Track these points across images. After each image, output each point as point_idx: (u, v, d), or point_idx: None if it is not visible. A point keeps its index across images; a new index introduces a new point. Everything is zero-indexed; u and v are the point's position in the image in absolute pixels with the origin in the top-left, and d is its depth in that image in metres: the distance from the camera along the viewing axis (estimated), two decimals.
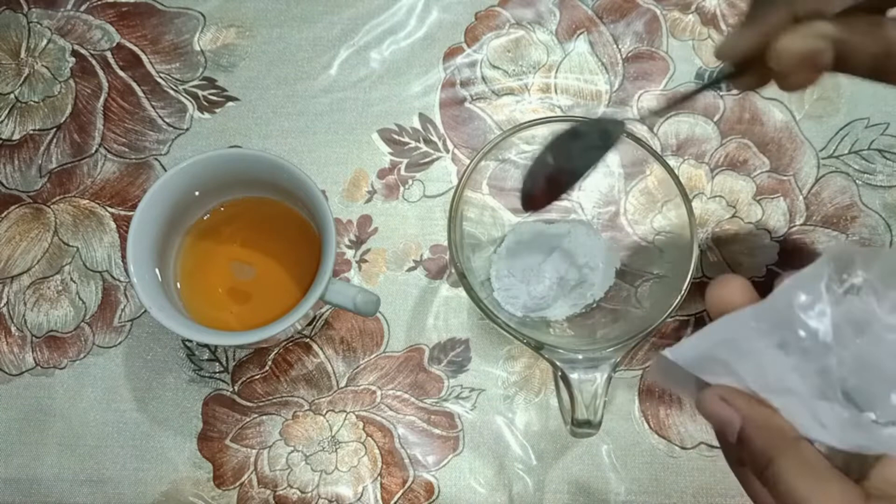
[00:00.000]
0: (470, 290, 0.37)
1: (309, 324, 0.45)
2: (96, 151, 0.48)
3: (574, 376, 0.35)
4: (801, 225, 0.47)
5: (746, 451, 0.27)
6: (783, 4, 0.27)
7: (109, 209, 0.47)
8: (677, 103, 0.34)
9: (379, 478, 0.43)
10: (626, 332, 0.36)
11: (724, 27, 0.50)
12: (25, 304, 0.45)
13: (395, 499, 0.43)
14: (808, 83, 0.29)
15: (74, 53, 0.50)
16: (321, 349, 0.45)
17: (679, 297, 0.36)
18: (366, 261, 0.46)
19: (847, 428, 0.26)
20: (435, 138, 0.48)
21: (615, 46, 0.50)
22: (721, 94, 0.49)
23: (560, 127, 0.36)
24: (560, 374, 0.35)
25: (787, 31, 0.27)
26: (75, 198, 0.47)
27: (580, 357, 0.35)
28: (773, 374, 0.27)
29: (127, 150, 0.48)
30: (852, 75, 0.28)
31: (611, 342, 0.36)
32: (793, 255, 0.46)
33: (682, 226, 0.38)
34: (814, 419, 0.27)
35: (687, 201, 0.37)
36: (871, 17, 0.26)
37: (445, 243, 0.46)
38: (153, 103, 0.49)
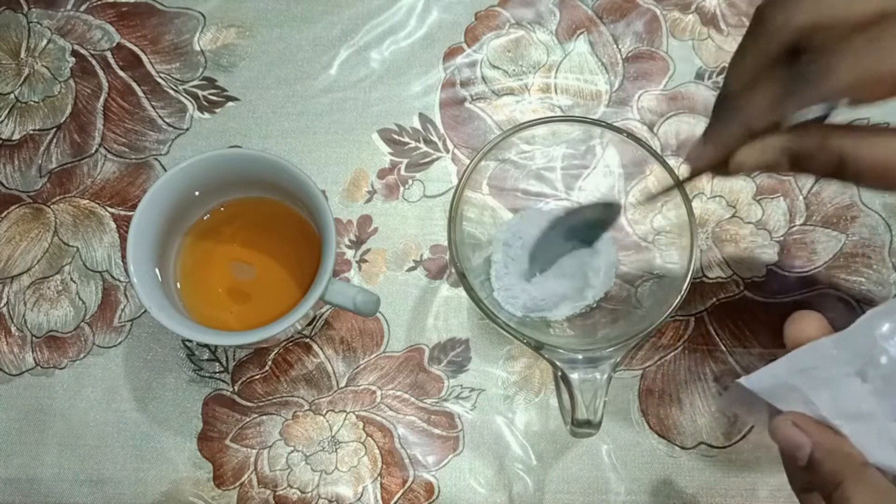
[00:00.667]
0: (470, 290, 0.37)
1: (309, 324, 0.45)
2: (96, 151, 0.48)
3: (574, 376, 0.35)
4: (801, 225, 0.47)
5: (815, 475, 0.29)
6: (739, 123, 0.30)
7: (109, 209, 0.47)
8: (662, 194, 0.37)
9: (379, 478, 0.43)
10: (626, 332, 0.36)
11: (724, 27, 0.50)
12: (25, 304, 0.45)
13: (395, 499, 0.43)
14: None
15: (74, 53, 0.50)
16: (321, 349, 0.45)
17: (679, 297, 0.36)
18: (366, 261, 0.46)
19: None
20: (435, 138, 0.48)
21: (615, 46, 0.50)
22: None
23: (559, 212, 0.41)
24: (560, 374, 0.35)
25: (744, 147, 0.30)
26: (75, 198, 0.47)
27: (580, 357, 0.35)
28: (849, 399, 0.29)
29: (127, 150, 0.48)
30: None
31: (611, 342, 0.36)
32: (793, 255, 0.46)
33: (682, 226, 0.38)
34: (888, 441, 0.28)
35: (687, 201, 0.37)
36: (822, 127, 0.29)
37: (445, 243, 0.46)
38: (153, 103, 0.49)
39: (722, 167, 0.31)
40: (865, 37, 0.26)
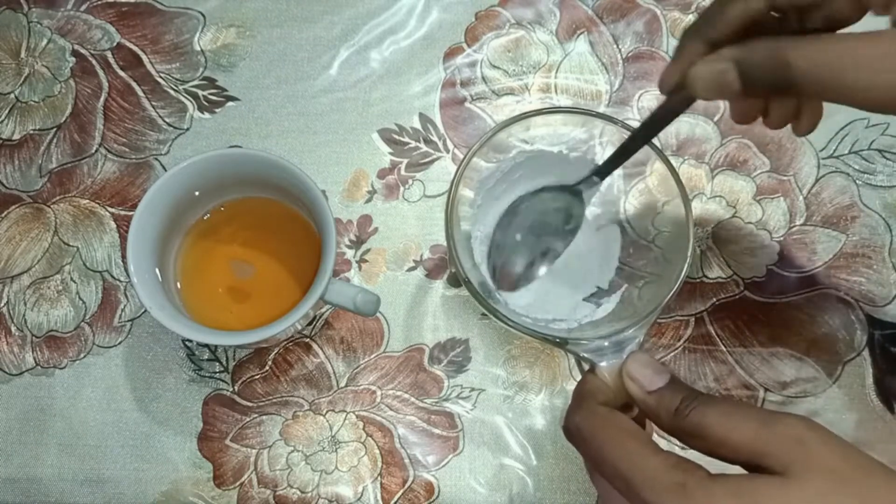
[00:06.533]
0: (477, 295, 0.36)
1: (309, 324, 0.45)
2: (96, 151, 0.48)
3: (604, 364, 0.34)
4: (801, 225, 0.47)
5: (671, 400, 0.29)
6: (697, 38, 0.30)
7: (109, 209, 0.47)
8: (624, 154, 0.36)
9: (379, 478, 0.43)
10: (641, 311, 0.36)
11: None
12: (25, 303, 0.45)
13: (395, 499, 0.43)
14: (754, 115, 0.34)
15: (74, 53, 0.50)
16: (321, 349, 0.45)
17: (688, 252, 0.36)
18: (366, 261, 0.46)
19: None
20: (435, 138, 0.48)
21: (615, 46, 0.50)
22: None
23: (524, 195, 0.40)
24: (588, 367, 0.35)
25: (699, 61, 0.30)
26: (75, 198, 0.47)
27: (606, 344, 0.35)
28: None
29: (127, 150, 0.48)
30: (763, 96, 0.30)
31: (631, 321, 0.36)
32: (793, 255, 0.46)
33: (682, 225, 0.38)
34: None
35: (682, 189, 0.37)
36: (773, 37, 0.28)
37: (445, 243, 0.46)
38: (153, 103, 0.49)
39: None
40: None
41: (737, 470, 0.27)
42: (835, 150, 0.48)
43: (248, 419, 0.44)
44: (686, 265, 0.36)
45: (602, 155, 0.43)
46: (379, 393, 0.44)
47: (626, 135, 0.38)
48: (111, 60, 0.50)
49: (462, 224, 0.40)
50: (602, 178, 0.39)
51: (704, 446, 0.27)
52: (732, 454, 0.26)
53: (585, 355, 0.34)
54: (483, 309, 0.37)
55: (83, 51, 0.50)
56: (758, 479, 0.25)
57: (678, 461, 0.26)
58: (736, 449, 0.26)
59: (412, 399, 0.44)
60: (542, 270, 0.41)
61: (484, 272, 0.42)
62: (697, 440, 0.28)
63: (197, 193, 0.41)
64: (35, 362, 0.45)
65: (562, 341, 0.36)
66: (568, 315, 0.42)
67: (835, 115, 0.49)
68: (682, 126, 0.48)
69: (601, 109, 0.49)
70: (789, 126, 0.49)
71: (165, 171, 0.39)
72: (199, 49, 0.50)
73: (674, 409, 0.28)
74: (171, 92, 0.49)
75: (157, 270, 0.39)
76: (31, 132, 0.48)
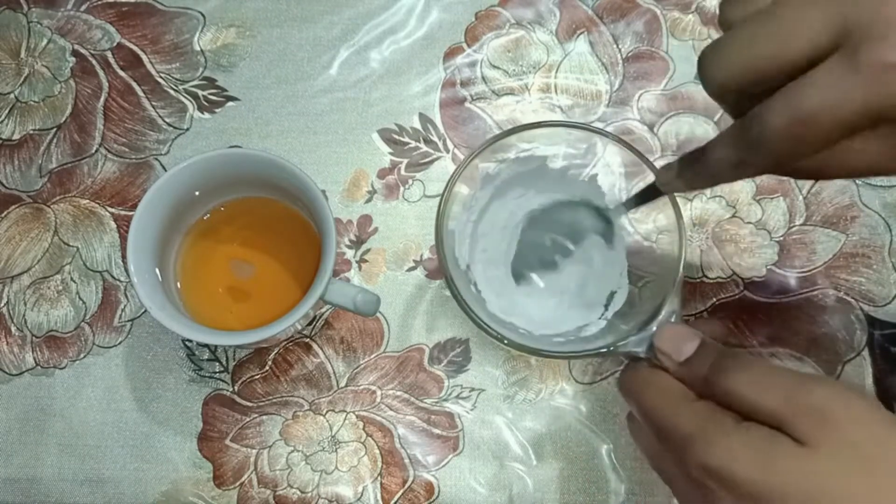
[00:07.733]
0: (480, 322, 0.36)
1: (309, 324, 0.45)
2: (96, 151, 0.48)
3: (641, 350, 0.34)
4: (801, 225, 0.47)
5: (700, 366, 0.30)
6: (707, 177, 0.31)
7: (109, 209, 0.47)
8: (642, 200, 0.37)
9: (379, 478, 0.43)
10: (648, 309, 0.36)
11: None
12: (25, 303, 0.45)
13: (395, 499, 0.43)
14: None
15: (74, 53, 0.50)
16: (321, 349, 0.45)
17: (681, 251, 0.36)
18: (366, 261, 0.46)
19: None
20: (435, 138, 0.48)
21: (615, 46, 0.50)
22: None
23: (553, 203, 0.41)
24: (629, 362, 0.35)
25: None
26: (75, 198, 0.47)
27: (633, 339, 0.35)
28: None
29: (127, 150, 0.48)
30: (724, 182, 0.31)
31: (637, 318, 0.36)
32: (793, 255, 0.46)
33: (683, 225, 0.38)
34: None
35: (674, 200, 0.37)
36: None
37: None
38: (153, 103, 0.49)
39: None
40: (798, 80, 0.25)
41: None
42: None
43: (248, 419, 0.44)
44: (683, 259, 0.36)
45: (602, 154, 0.43)
46: (379, 393, 0.44)
47: (622, 147, 0.38)
48: (111, 60, 0.50)
49: (454, 224, 0.40)
50: (628, 210, 0.40)
51: (739, 411, 0.28)
52: (763, 419, 0.27)
53: (635, 350, 0.34)
54: (475, 320, 0.36)
55: (83, 51, 0.50)
56: (780, 440, 0.26)
57: (708, 407, 0.28)
58: (765, 416, 0.26)
59: (412, 399, 0.44)
60: (562, 269, 0.41)
61: (499, 272, 0.42)
62: (731, 405, 0.28)
63: (197, 193, 0.41)
64: (35, 362, 0.45)
65: (606, 351, 0.35)
66: (582, 321, 0.42)
67: None
68: (683, 126, 0.48)
69: (601, 109, 0.49)
70: None
71: (165, 171, 0.39)
72: (199, 49, 0.50)
73: (703, 378, 0.29)
74: (171, 92, 0.49)
75: (157, 270, 0.39)
76: (31, 132, 0.48)
